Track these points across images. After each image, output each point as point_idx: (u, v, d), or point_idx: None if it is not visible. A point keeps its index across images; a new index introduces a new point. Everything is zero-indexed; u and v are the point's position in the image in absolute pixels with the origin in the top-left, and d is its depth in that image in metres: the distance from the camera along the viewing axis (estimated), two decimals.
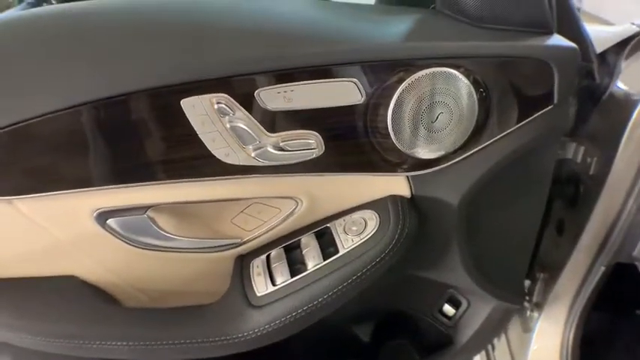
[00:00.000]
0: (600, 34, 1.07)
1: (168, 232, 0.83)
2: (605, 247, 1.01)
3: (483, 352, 1.37)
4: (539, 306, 1.15)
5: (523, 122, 0.80)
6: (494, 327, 1.10)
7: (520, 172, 0.87)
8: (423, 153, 0.79)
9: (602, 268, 1.03)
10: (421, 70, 0.73)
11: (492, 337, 1.22)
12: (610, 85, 1.01)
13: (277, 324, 0.79)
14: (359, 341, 1.22)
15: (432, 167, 0.81)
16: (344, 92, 0.73)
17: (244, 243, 0.89)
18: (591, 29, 1.05)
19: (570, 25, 0.92)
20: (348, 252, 0.81)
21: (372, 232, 0.81)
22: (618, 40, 1.04)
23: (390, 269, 0.81)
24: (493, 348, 1.34)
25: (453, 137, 0.78)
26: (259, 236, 0.89)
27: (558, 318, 1.12)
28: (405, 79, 0.73)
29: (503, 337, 1.30)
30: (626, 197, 0.96)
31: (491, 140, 0.80)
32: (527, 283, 1.17)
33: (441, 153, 0.79)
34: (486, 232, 0.94)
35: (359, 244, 0.81)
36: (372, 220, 0.82)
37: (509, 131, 0.80)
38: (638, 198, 0.95)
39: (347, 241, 0.82)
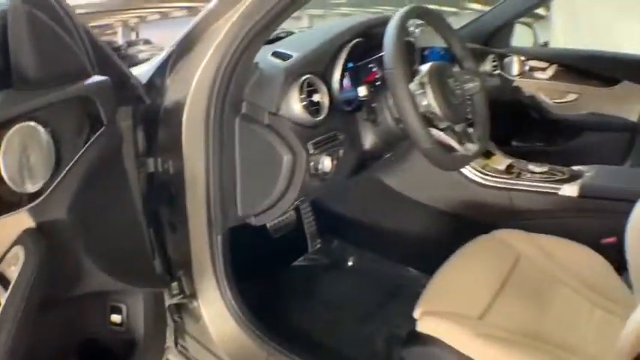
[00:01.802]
0: (148, 68, 1.38)
1: None
2: (211, 222, 1.31)
3: None
4: (194, 295, 1.40)
5: (88, 144, 1.05)
6: (156, 314, 1.31)
7: (106, 184, 1.12)
8: (30, 188, 0.99)
9: (219, 238, 1.33)
10: (11, 127, 0.93)
11: (162, 324, 1.41)
12: (162, 101, 1.31)
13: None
14: None
15: (40, 197, 1.00)
16: None
17: None
18: (140, 68, 1.36)
19: (112, 69, 1.18)
20: (15, 283, 0.97)
21: (23, 263, 0.98)
22: (161, 62, 1.36)
23: (52, 291, 1.00)
24: (187, 350, 1.56)
25: (46, 170, 1.00)
26: None
27: (213, 295, 1.39)
28: (3, 137, 0.93)
29: (189, 339, 1.53)
30: (206, 176, 1.27)
31: (71, 164, 1.03)
32: (175, 285, 1.42)
33: (41, 184, 1.00)
34: (106, 239, 1.16)
35: (18, 276, 0.98)
36: (21, 253, 1.00)
37: (80, 154, 1.04)
38: (214, 173, 1.27)
39: (13, 275, 0.99)
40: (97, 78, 1.07)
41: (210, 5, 1.26)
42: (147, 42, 25.20)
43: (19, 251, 1.00)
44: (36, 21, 0.97)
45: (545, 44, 8.39)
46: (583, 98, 3.08)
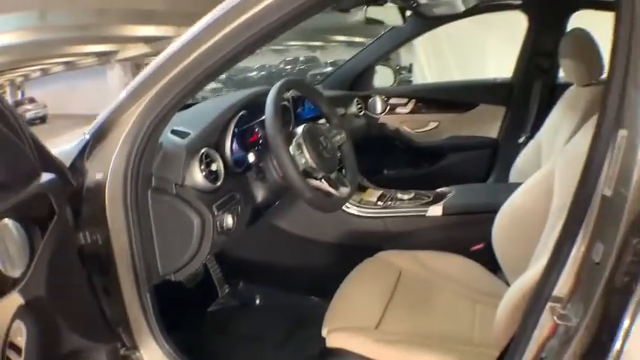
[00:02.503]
0: (66, 151, 1.60)
1: None
2: (139, 282, 1.53)
3: None
4: (136, 347, 1.61)
5: (49, 231, 1.27)
6: None
7: (64, 260, 1.35)
8: (14, 274, 1.20)
9: (148, 295, 1.56)
10: None
11: None
12: (84, 182, 1.53)
13: None
14: None
15: (24, 280, 1.21)
16: None
17: None
18: (61, 150, 1.57)
19: (48, 161, 1.39)
20: (26, 351, 1.20)
21: (26, 334, 1.21)
22: (80, 149, 1.58)
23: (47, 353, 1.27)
24: None
25: (24, 258, 1.21)
26: None
27: (152, 345, 1.61)
28: None
29: None
30: (130, 243, 1.50)
31: (40, 250, 1.24)
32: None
33: (22, 269, 1.21)
34: (71, 305, 1.39)
35: (26, 345, 1.21)
36: (22, 325, 1.23)
37: (45, 240, 1.26)
38: (136, 240, 1.51)
39: (21, 344, 1.22)
40: (48, 176, 1.29)
41: (119, 99, 1.49)
42: (32, 100, 25.11)
43: (20, 324, 1.22)
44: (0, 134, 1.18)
45: (411, 66, 9.01)
46: (443, 125, 3.52)
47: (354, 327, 1.62)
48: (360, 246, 2.27)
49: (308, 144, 1.74)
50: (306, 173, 1.75)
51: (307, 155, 1.72)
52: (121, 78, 25.64)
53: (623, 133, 0.99)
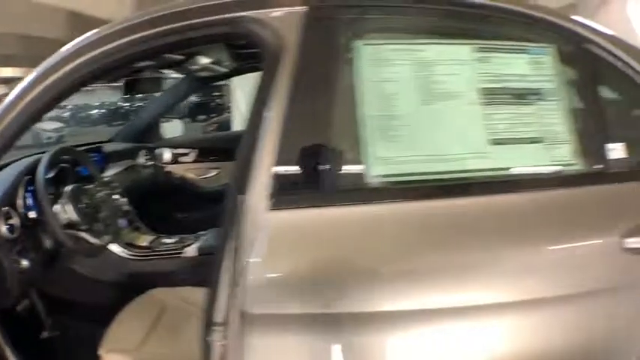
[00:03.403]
0: None
1: None
2: None
3: None
4: None
5: None
6: None
7: None
8: None
9: None
10: None
11: None
12: None
13: None
14: None
15: None
16: None
17: None
18: None
19: None
20: None
21: None
22: None
23: None
24: None
25: None
26: None
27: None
28: None
29: None
30: None
31: None
32: None
33: None
34: None
35: None
36: None
37: None
38: None
39: None
40: None
41: None
42: None
43: None
44: None
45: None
46: (224, 171, 3.97)
47: (119, 349, 2.09)
48: (136, 284, 2.68)
49: (71, 202, 2.31)
50: (71, 226, 2.29)
51: (71, 212, 2.29)
52: None
53: (241, 198, 1.42)
